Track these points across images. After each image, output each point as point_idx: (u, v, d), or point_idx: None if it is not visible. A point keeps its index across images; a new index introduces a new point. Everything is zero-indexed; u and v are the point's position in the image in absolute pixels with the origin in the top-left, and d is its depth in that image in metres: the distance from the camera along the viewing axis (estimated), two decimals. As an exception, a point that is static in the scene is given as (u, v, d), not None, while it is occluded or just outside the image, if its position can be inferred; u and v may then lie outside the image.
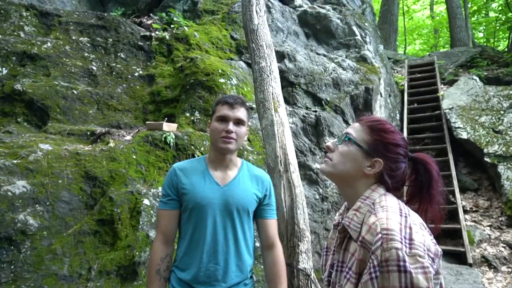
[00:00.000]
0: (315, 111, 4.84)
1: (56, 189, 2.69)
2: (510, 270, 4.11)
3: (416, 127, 7.23)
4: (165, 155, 3.25)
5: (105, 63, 4.37)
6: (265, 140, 3.21)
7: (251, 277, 1.65)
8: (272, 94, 3.40)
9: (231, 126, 1.54)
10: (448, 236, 5.07)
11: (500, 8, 13.98)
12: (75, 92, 3.86)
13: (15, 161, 2.70)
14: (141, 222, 2.74)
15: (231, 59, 4.92)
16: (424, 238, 0.89)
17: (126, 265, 2.59)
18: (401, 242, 0.85)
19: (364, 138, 1.08)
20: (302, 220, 2.91)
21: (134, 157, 3.12)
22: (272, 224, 1.66)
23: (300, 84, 5.03)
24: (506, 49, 11.55)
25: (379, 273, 0.85)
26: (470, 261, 4.33)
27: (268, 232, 1.64)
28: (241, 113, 1.59)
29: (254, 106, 4.08)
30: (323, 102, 5.02)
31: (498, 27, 13.98)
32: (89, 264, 2.57)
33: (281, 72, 4.70)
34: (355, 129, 1.11)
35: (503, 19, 13.15)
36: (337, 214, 1.25)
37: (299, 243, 2.84)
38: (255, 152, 3.85)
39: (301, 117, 4.67)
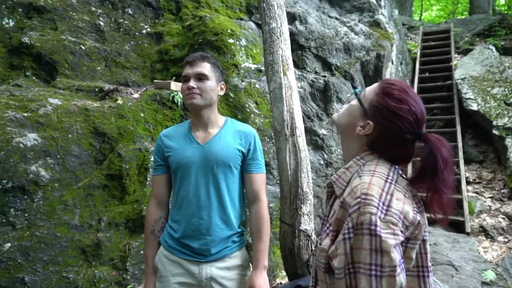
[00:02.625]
0: (324, 76, 4.78)
1: (66, 143, 2.75)
2: (506, 240, 4.21)
3: (426, 96, 7.11)
4: (172, 114, 3.27)
5: (113, 18, 4.28)
6: (273, 103, 3.21)
7: (242, 234, 1.69)
8: (282, 57, 3.35)
9: (191, 83, 1.58)
10: (449, 205, 5.14)
11: (525, -27, 13.25)
12: (83, 47, 3.83)
13: (25, 114, 2.74)
14: (148, 179, 2.81)
15: (241, 19, 4.80)
16: (403, 206, 0.90)
17: (134, 218, 2.69)
18: (377, 208, 0.87)
19: (370, 98, 1.04)
20: (305, 184, 2.96)
21: (142, 115, 3.15)
22: (257, 179, 1.67)
23: (310, 48, 4.92)
24: (527, 19, 11.05)
25: (352, 234, 0.88)
26: (468, 230, 4.43)
27: (252, 187, 1.66)
28: (201, 67, 1.60)
29: (262, 68, 4.03)
30: (332, 67, 4.94)
31: (521, -5, 13.31)
32: (99, 216, 2.67)
33: (292, 34, 4.59)
34: (371, 87, 1.08)
35: (528, -15, 12.50)
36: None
37: (302, 205, 2.92)
38: (262, 115, 3.85)
39: (310, 81, 4.62)
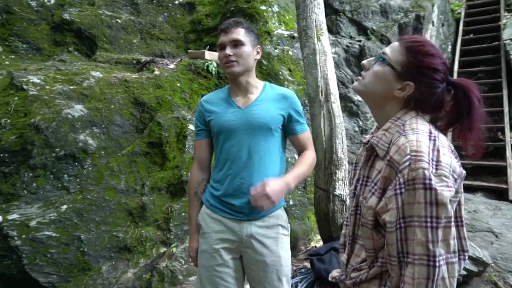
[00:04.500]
0: (360, 41, 4.62)
1: (109, 113, 2.90)
2: (553, 207, 4.02)
3: (469, 59, 6.69)
4: (207, 83, 3.34)
5: (146, -10, 4.34)
6: (306, 70, 3.17)
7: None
8: (315, 22, 3.27)
9: (227, 50, 1.59)
10: (491, 173, 4.95)
11: None
12: (119, 21, 3.93)
13: (71, 87, 2.91)
14: (187, 146, 2.93)
15: (273, -16, 4.68)
16: (450, 160, 0.93)
17: (175, 183, 2.84)
18: (428, 163, 0.89)
19: (399, 59, 1.04)
20: (340, 149, 2.96)
21: (178, 84, 3.24)
22: (303, 138, 1.73)
23: (344, 12, 4.75)
24: None
25: (404, 190, 0.90)
26: (511, 198, 4.27)
27: (300, 145, 1.74)
28: (235, 34, 1.60)
29: (295, 35, 3.96)
30: (368, 31, 4.75)
31: None
32: (142, 181, 2.84)
33: (325, -2, 4.44)
34: (392, 49, 1.06)
35: None
36: (369, 133, 1.27)
37: (337, 170, 2.93)
38: (296, 83, 3.83)
39: (344, 47, 4.49)
